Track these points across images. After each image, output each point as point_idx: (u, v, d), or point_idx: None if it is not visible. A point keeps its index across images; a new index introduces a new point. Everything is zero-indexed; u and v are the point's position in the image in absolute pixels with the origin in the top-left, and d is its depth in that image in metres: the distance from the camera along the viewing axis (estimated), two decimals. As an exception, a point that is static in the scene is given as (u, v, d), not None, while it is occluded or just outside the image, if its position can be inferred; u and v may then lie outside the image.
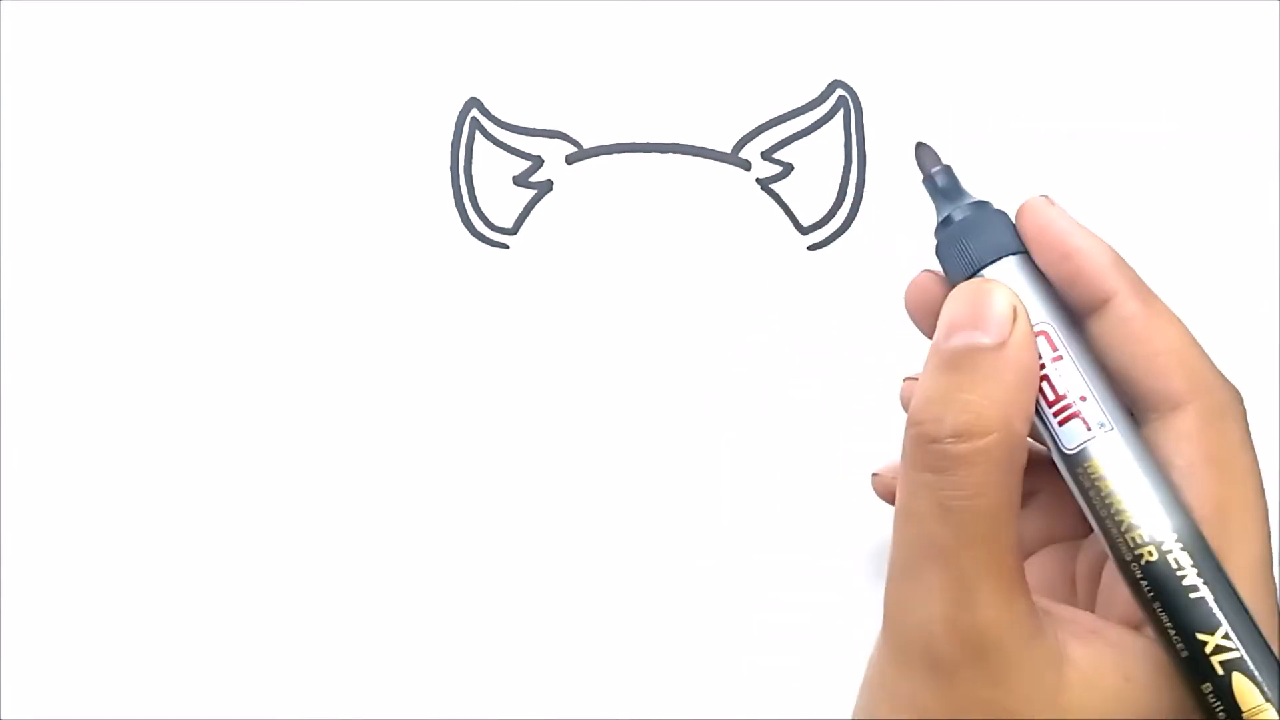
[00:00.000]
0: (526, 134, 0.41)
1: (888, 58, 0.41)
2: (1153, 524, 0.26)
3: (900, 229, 0.40)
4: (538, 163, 0.41)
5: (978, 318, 0.27)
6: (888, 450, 0.40)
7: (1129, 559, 0.26)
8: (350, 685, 0.39)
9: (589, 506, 0.40)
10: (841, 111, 0.41)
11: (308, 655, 0.39)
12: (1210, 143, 0.40)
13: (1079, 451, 0.27)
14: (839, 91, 0.41)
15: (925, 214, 0.41)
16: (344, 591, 0.40)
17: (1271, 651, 0.25)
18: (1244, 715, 0.24)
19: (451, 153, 0.41)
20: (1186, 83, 0.41)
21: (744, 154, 0.41)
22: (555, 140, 0.41)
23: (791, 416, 0.40)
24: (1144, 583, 0.26)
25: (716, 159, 0.41)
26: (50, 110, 0.41)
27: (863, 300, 0.40)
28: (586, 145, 0.41)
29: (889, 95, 0.41)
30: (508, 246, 0.41)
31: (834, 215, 0.41)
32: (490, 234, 0.41)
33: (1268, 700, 0.24)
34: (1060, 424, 0.27)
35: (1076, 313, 0.28)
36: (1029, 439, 0.27)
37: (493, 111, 0.41)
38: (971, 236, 0.29)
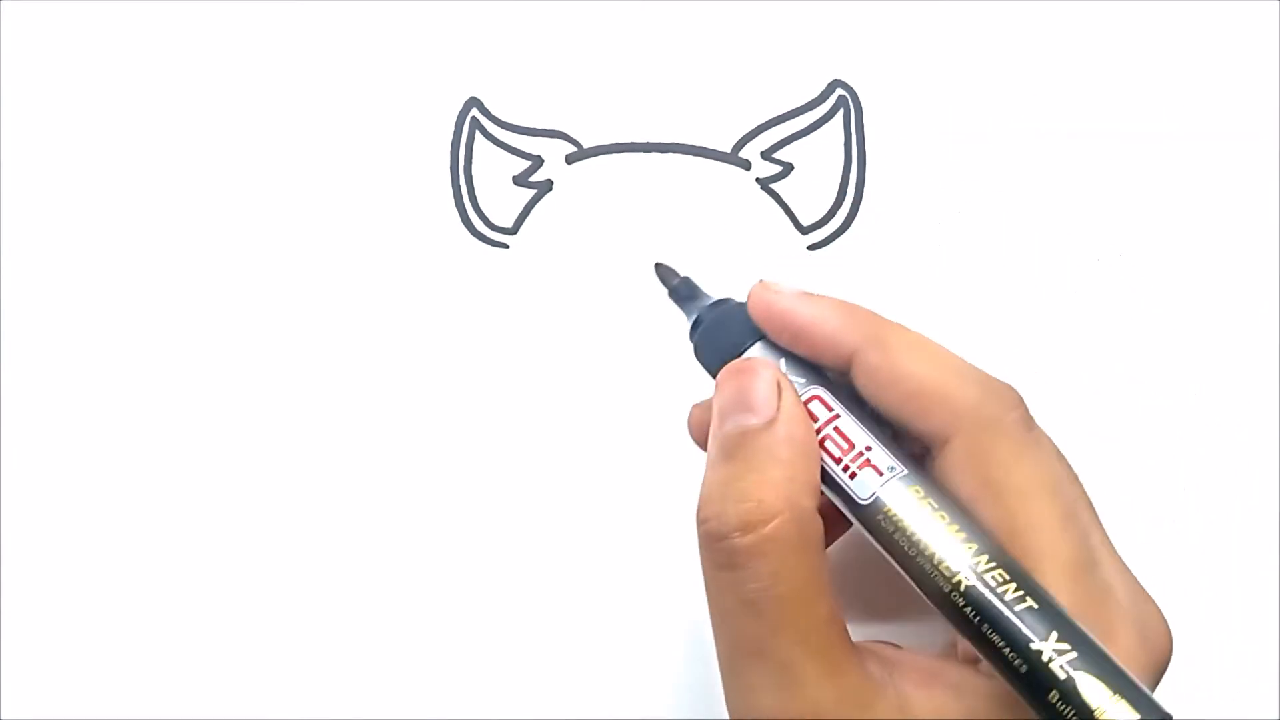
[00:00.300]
0: (526, 134, 0.41)
1: (888, 58, 0.41)
2: (960, 551, 0.26)
3: (900, 229, 0.40)
4: (538, 162, 0.41)
5: (743, 399, 0.27)
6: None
7: (947, 590, 0.26)
8: (349, 685, 0.39)
9: (589, 506, 0.40)
10: (841, 111, 0.41)
11: (307, 655, 0.39)
12: (1210, 143, 0.40)
13: (874, 500, 0.27)
14: (839, 91, 0.41)
15: (925, 214, 0.41)
16: (345, 591, 0.40)
17: (1101, 649, 0.24)
18: (1094, 713, 0.24)
19: (451, 152, 0.41)
20: (1186, 83, 0.41)
21: (744, 154, 0.41)
22: (555, 140, 0.41)
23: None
24: (968, 610, 0.25)
25: (716, 159, 0.41)
26: (50, 110, 0.41)
27: (863, 300, 0.40)
28: (586, 145, 0.41)
29: (889, 95, 0.41)
30: (508, 246, 0.41)
31: (834, 215, 0.41)
32: (490, 234, 0.41)
33: (1115, 693, 0.24)
34: (852, 478, 0.27)
35: (835, 372, 0.28)
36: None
37: (493, 111, 0.41)
38: (722, 330, 0.29)
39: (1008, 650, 0.25)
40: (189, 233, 0.41)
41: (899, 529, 0.26)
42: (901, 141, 0.41)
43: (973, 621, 0.25)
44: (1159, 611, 0.27)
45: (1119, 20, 0.41)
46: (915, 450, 0.28)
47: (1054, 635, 0.24)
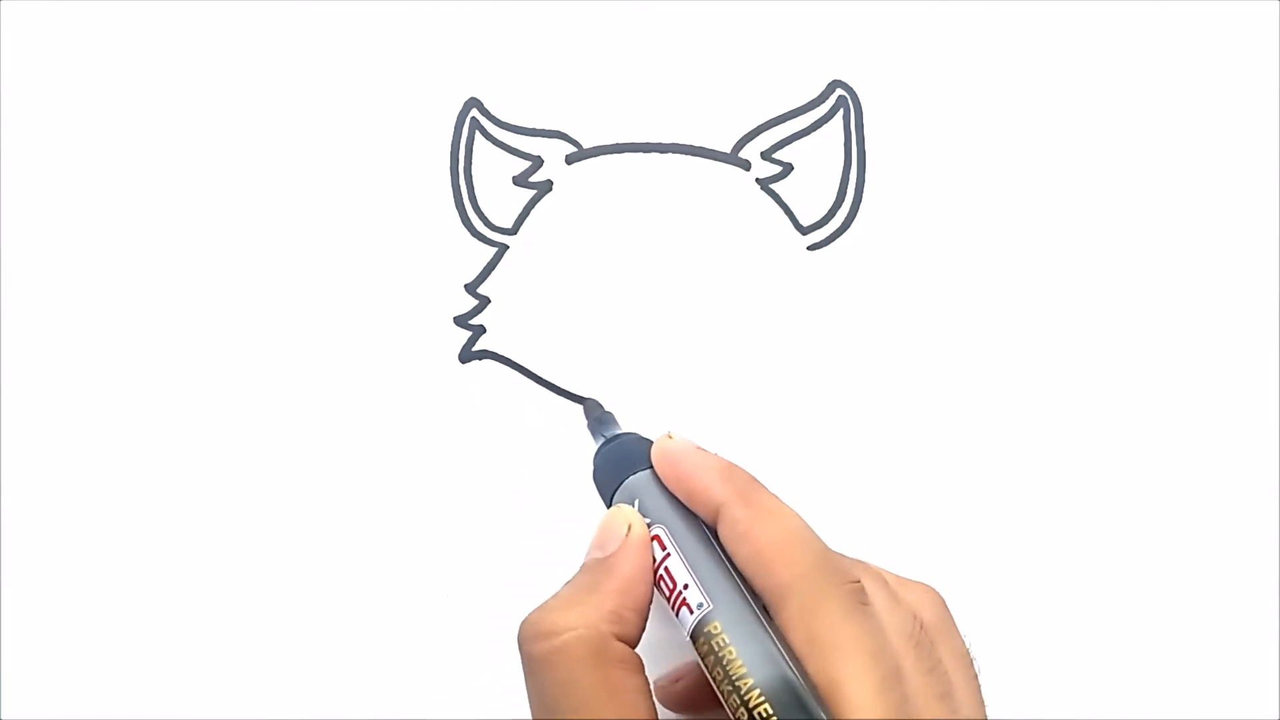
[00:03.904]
0: (526, 134, 0.41)
1: (888, 58, 0.41)
2: (739, 686, 0.28)
3: (900, 229, 0.40)
4: (538, 163, 0.41)
5: (603, 537, 0.31)
6: (886, 448, 0.40)
7: (741, 716, 0.29)
8: (349, 686, 0.39)
9: (587, 507, 0.40)
10: (841, 111, 0.41)
11: (307, 655, 0.39)
12: (1210, 143, 0.40)
13: (692, 632, 0.30)
14: (839, 91, 0.41)
15: (925, 214, 0.41)
16: (346, 592, 0.40)
17: None
18: None
19: (451, 153, 0.41)
20: (1186, 83, 0.41)
21: (744, 154, 0.41)
22: (555, 140, 0.41)
23: (791, 415, 0.40)
24: None
25: (716, 159, 0.41)
26: (50, 110, 0.41)
27: (863, 300, 0.40)
28: (586, 145, 0.41)
29: (889, 95, 0.41)
30: (508, 246, 0.41)
31: (834, 215, 0.41)
32: (490, 234, 0.41)
33: None
34: (676, 612, 0.31)
35: (705, 520, 0.31)
36: None
37: (493, 111, 0.41)
38: (622, 453, 0.34)
39: None
40: (189, 232, 0.41)
41: (706, 659, 0.30)
42: (901, 141, 0.41)
43: None
44: None
45: (1119, 20, 0.41)
46: (763, 604, 0.30)
47: None
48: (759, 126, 0.41)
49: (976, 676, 0.31)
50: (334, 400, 0.40)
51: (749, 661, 0.29)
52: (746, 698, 0.28)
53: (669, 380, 0.40)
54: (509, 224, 0.41)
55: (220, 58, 0.41)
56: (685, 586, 0.30)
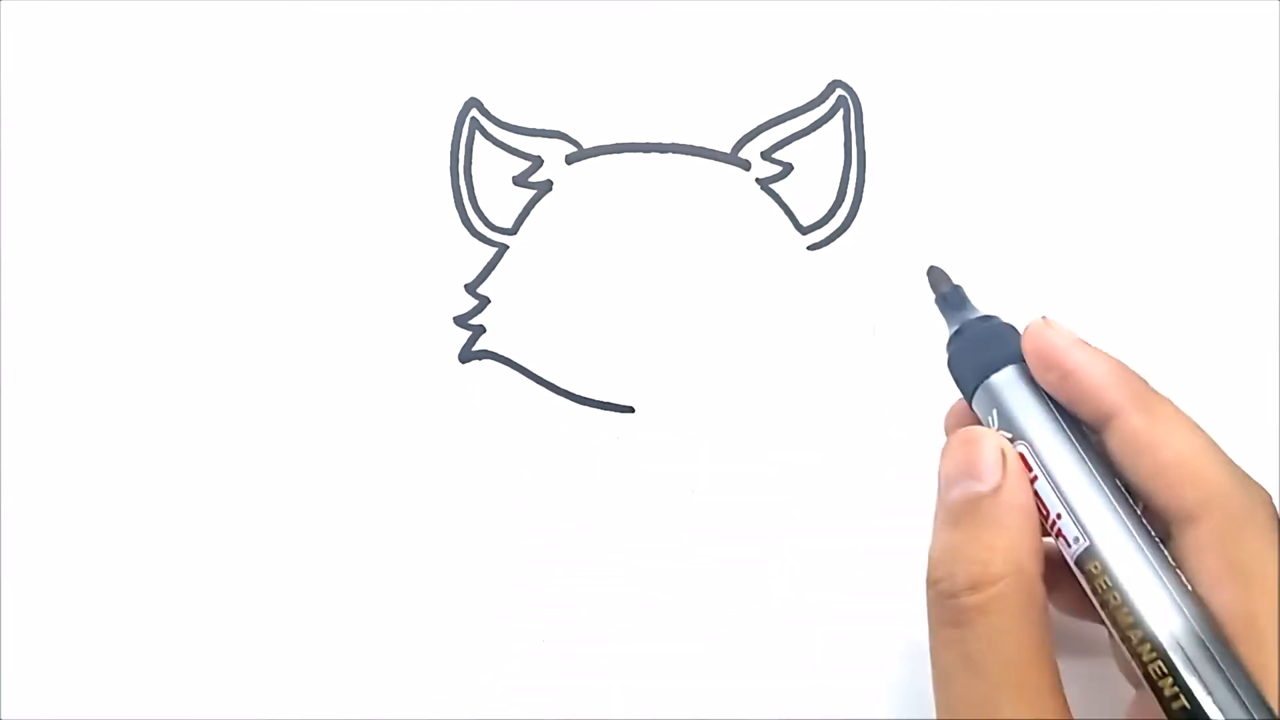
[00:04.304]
0: (526, 134, 0.41)
1: (888, 58, 0.41)
2: (1129, 637, 0.26)
3: (900, 229, 0.40)
4: (537, 163, 0.41)
5: (971, 467, 0.28)
6: (886, 448, 0.40)
7: (1136, 665, 0.26)
8: (349, 686, 0.39)
9: (587, 506, 0.40)
10: (841, 111, 0.41)
11: (307, 656, 0.39)
12: (1210, 143, 0.40)
13: (1073, 563, 0.28)
14: (839, 91, 0.41)
15: (925, 214, 0.41)
16: (345, 592, 0.40)
17: None
18: None
19: (451, 153, 0.41)
20: (1186, 83, 0.41)
21: (744, 154, 0.41)
22: (555, 140, 0.41)
23: (791, 415, 0.40)
24: (1152, 685, 0.26)
25: (716, 159, 0.41)
26: (50, 110, 0.41)
27: (863, 300, 0.40)
28: (586, 145, 0.41)
29: (889, 95, 0.41)
30: (508, 246, 0.41)
31: (834, 215, 0.41)
32: (490, 234, 0.41)
33: None
34: (1052, 536, 0.28)
35: (1089, 427, 0.28)
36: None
37: (493, 111, 0.41)
38: (983, 345, 0.30)
39: None
40: (189, 233, 0.41)
41: (1095, 597, 0.27)
42: (901, 141, 0.41)
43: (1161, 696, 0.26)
44: None
45: (1119, 20, 0.41)
46: (1155, 525, 0.28)
47: None
48: (759, 126, 0.41)
49: None
50: (334, 400, 0.40)
51: (1137, 610, 0.26)
52: (1138, 650, 0.26)
53: (669, 379, 0.40)
54: (509, 224, 0.41)
55: (220, 58, 0.41)
56: (1058, 516, 0.28)
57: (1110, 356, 0.29)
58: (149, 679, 0.39)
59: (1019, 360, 0.29)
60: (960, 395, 0.31)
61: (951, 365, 0.31)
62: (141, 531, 0.40)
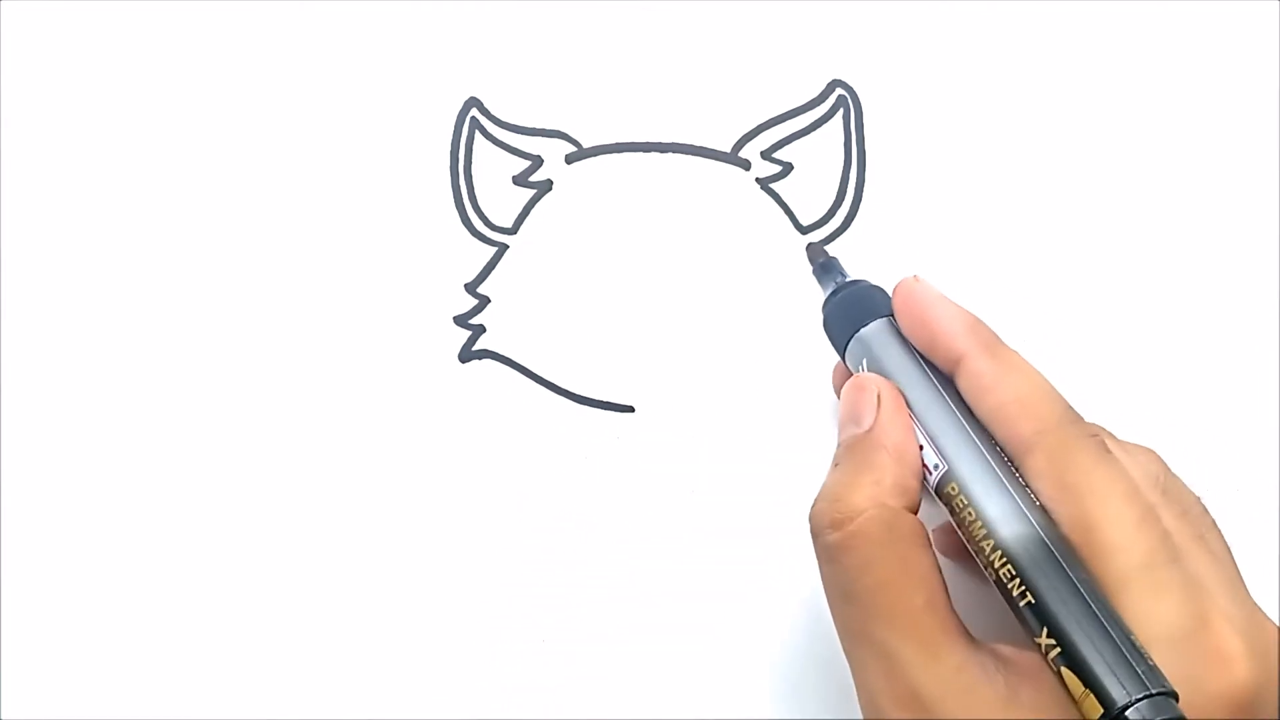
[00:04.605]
0: (526, 134, 0.41)
1: (888, 58, 0.41)
2: (983, 547, 0.28)
3: (900, 229, 0.40)
4: (537, 162, 0.41)
5: (853, 411, 0.31)
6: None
7: (991, 576, 0.28)
8: (349, 686, 0.39)
9: (587, 506, 0.40)
10: (841, 111, 0.41)
11: (307, 656, 0.39)
12: (1210, 143, 0.40)
13: (934, 491, 0.30)
14: (839, 91, 0.41)
15: (925, 214, 0.41)
16: (345, 592, 0.40)
17: (1116, 644, 0.26)
18: (1078, 700, 0.26)
19: (451, 152, 0.41)
20: (1186, 83, 0.41)
21: (744, 153, 0.41)
22: (555, 140, 0.41)
23: (791, 415, 0.40)
24: (1002, 589, 0.28)
25: (716, 158, 0.41)
26: (50, 110, 0.41)
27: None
28: (586, 145, 0.41)
29: (889, 95, 0.41)
30: (507, 246, 0.41)
31: (834, 215, 0.41)
32: (490, 233, 0.41)
33: (1087, 688, 0.25)
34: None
35: (944, 373, 0.31)
36: None
37: (493, 111, 0.41)
38: (853, 303, 0.33)
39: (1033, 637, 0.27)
40: (188, 233, 0.41)
41: (954, 519, 0.30)
42: (901, 141, 0.41)
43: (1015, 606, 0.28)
44: (1269, 621, 0.29)
45: (1119, 20, 0.41)
46: (1006, 455, 0.30)
47: (1045, 631, 0.27)
48: (759, 126, 0.41)
49: (1217, 525, 0.30)
50: (334, 400, 0.40)
51: (989, 521, 0.28)
52: (990, 559, 0.28)
53: (669, 379, 0.40)
54: (509, 224, 0.41)
55: (220, 58, 0.41)
56: (920, 448, 0.30)
57: (967, 311, 0.31)
58: (149, 679, 0.39)
59: (888, 315, 0.32)
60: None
61: (826, 325, 0.34)
62: (141, 531, 0.40)
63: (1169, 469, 0.31)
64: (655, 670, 0.39)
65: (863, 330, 0.32)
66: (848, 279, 0.34)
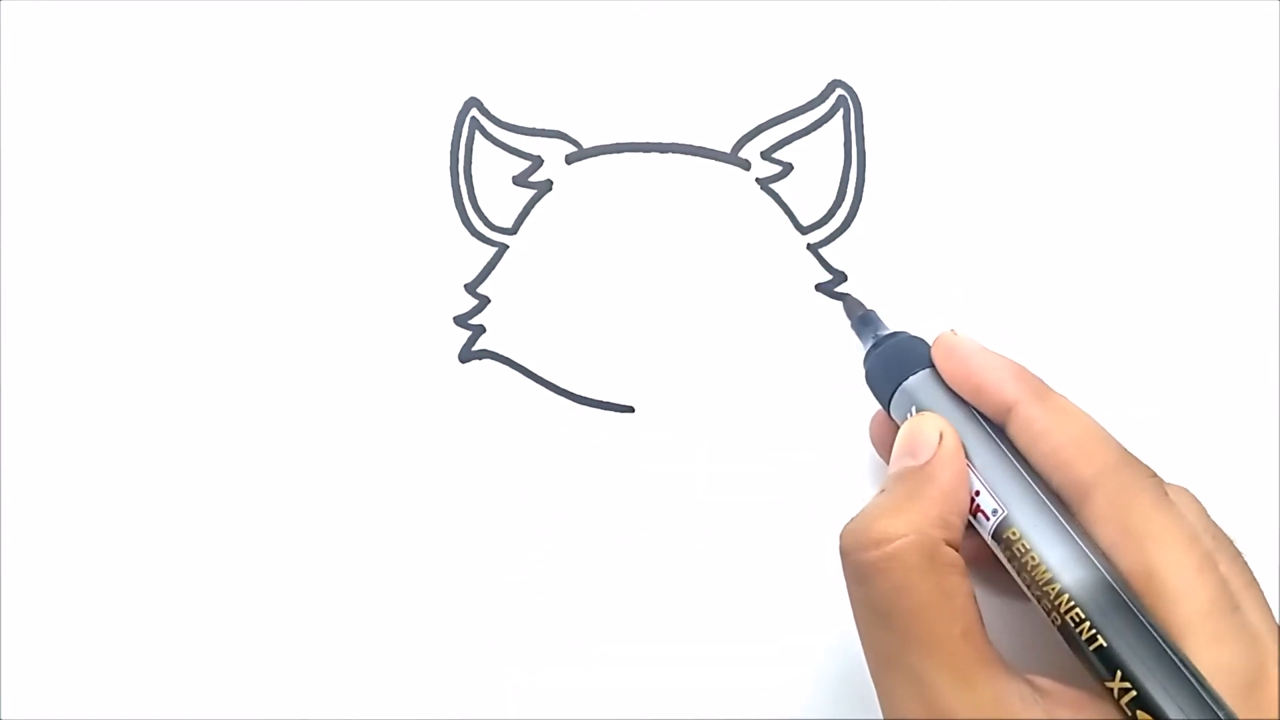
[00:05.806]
0: (526, 134, 0.41)
1: (888, 58, 0.41)
2: (1047, 592, 0.28)
3: (900, 229, 0.40)
4: (537, 162, 0.41)
5: (910, 444, 0.31)
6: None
7: (1055, 620, 0.28)
8: (349, 686, 0.39)
9: (587, 506, 0.40)
10: (841, 111, 0.41)
11: (307, 655, 0.39)
12: (1210, 143, 0.40)
13: (992, 538, 0.30)
14: (839, 91, 0.41)
15: (925, 214, 0.41)
16: (345, 592, 0.40)
17: (1194, 689, 0.26)
18: None
19: (451, 153, 0.41)
20: (1186, 83, 0.41)
21: (744, 153, 0.41)
22: (555, 140, 0.41)
23: (791, 415, 0.40)
24: (1068, 634, 0.28)
25: (716, 158, 0.41)
26: (50, 110, 0.41)
27: (862, 299, 0.40)
28: (586, 145, 0.41)
29: (889, 95, 0.41)
30: (508, 246, 0.41)
31: (834, 215, 0.41)
32: (490, 233, 0.41)
33: None
34: (972, 515, 0.31)
35: (993, 420, 0.31)
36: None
37: (493, 111, 0.41)
38: (896, 355, 0.34)
39: (1103, 681, 0.27)
40: (188, 233, 0.41)
41: (1013, 564, 0.30)
42: (901, 141, 0.41)
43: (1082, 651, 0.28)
44: None
45: (1119, 20, 0.41)
46: (1063, 500, 0.30)
47: (1119, 675, 0.27)
48: (759, 126, 0.41)
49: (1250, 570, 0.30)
50: (334, 400, 0.40)
51: (1053, 565, 0.28)
52: (1056, 603, 0.28)
53: (669, 379, 0.40)
54: (509, 224, 0.41)
55: (220, 58, 0.41)
56: (976, 493, 0.30)
57: (1010, 359, 0.32)
58: (149, 679, 0.39)
59: (929, 366, 0.33)
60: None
61: (869, 378, 0.34)
62: (141, 531, 0.40)
63: (1205, 510, 0.31)
64: (655, 670, 0.39)
65: (907, 382, 0.33)
66: (887, 331, 0.35)
